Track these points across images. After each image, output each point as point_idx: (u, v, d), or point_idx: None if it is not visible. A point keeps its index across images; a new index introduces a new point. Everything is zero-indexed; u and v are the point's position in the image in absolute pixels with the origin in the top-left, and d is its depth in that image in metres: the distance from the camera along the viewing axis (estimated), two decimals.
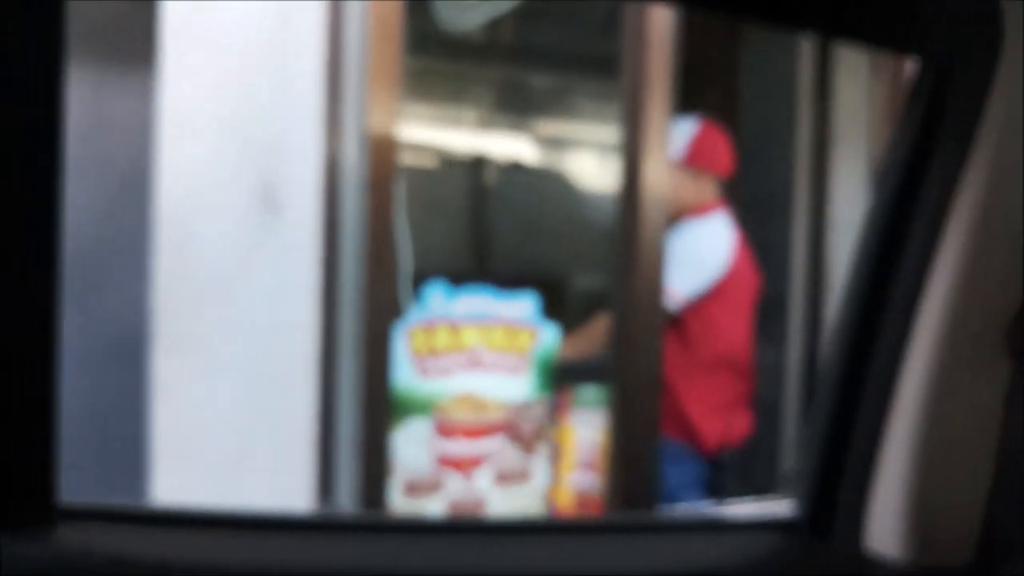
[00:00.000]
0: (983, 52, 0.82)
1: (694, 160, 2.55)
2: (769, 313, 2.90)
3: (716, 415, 2.46)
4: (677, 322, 2.42)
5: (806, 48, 3.57)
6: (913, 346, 0.86)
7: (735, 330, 2.53)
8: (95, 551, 0.71)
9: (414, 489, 2.15)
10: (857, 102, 3.26)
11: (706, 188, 2.57)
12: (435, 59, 2.59)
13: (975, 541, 0.88)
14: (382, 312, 2.09)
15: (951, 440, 0.86)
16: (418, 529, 0.93)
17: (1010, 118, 0.82)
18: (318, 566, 0.77)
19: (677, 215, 2.51)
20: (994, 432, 0.87)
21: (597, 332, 2.41)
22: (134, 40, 2.27)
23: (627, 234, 2.29)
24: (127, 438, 2.10)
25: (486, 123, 2.77)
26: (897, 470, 0.87)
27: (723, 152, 2.60)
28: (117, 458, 2.09)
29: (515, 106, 2.81)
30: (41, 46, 0.63)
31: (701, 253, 2.48)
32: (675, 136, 2.52)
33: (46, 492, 0.69)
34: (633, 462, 2.26)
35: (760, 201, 2.91)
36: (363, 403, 2.07)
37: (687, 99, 2.51)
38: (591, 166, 2.88)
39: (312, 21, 2.20)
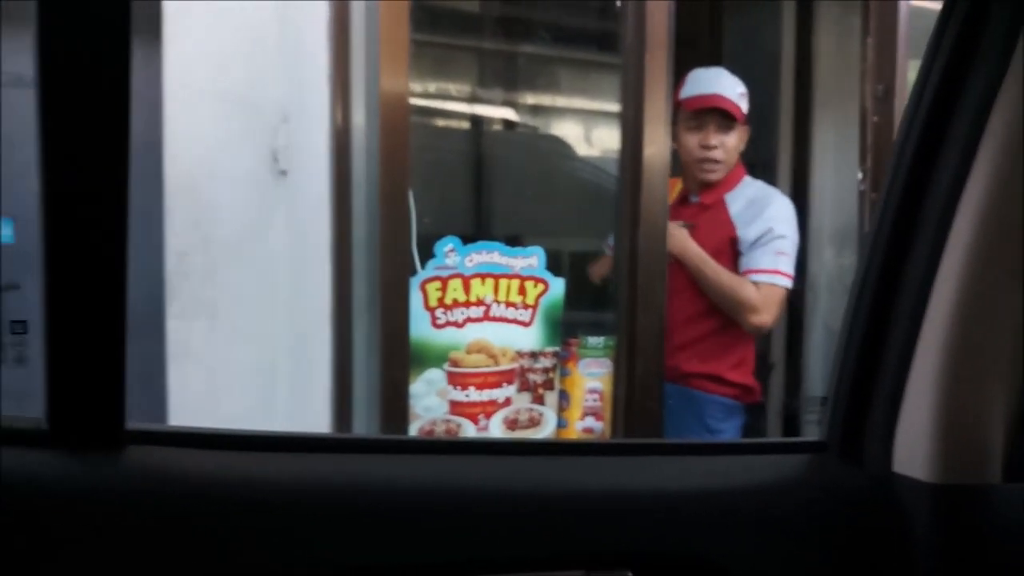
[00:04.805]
0: None
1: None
2: None
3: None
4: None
5: (789, 13, 3.65)
6: (942, 271, 0.89)
7: None
8: (158, 470, 0.77)
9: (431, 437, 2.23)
10: (845, 64, 3.34)
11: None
12: (444, 31, 2.64)
13: (1001, 462, 0.91)
14: (397, 268, 2.16)
15: (978, 363, 0.90)
16: (456, 449, 0.98)
17: None
18: (356, 481, 0.82)
19: (725, 176, 2.50)
20: (1022, 355, 0.89)
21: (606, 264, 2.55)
22: (136, 13, 2.28)
23: (631, 193, 2.36)
24: (147, 404, 2.15)
25: (492, 93, 2.83)
26: (925, 393, 0.91)
27: None
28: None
29: (518, 76, 2.87)
30: (107, 35, 0.69)
31: (794, 225, 2.50)
32: (736, 87, 2.49)
33: (115, 417, 0.75)
34: (638, 409, 2.35)
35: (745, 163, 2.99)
36: (381, 356, 2.14)
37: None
38: (592, 131, 2.95)
39: None
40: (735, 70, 2.87)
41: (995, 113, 0.87)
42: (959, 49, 0.90)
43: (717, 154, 2.45)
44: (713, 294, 2.42)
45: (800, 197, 3.55)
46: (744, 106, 2.50)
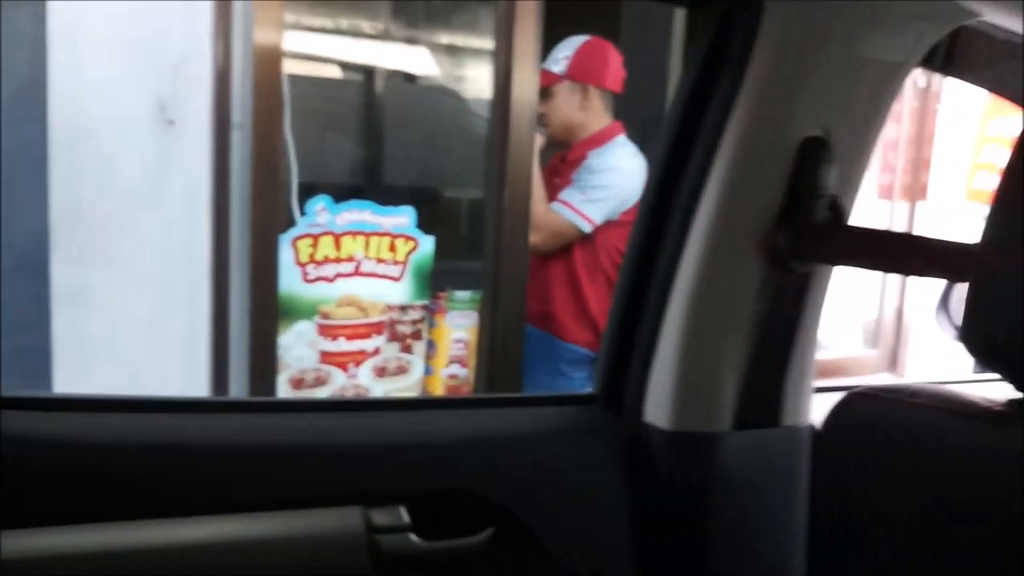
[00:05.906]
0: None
1: (578, 73, 2.59)
2: None
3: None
4: (591, 238, 2.56)
5: None
6: (687, 252, 1.05)
7: None
8: (33, 434, 0.85)
9: (300, 384, 2.34)
10: None
11: (595, 105, 2.62)
12: None
13: (731, 413, 1.07)
14: (269, 222, 2.23)
15: (714, 329, 1.06)
16: (301, 407, 1.10)
17: (774, 57, 0.98)
18: (218, 440, 0.93)
19: (565, 132, 2.61)
20: (750, 322, 1.06)
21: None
22: None
23: (499, 147, 2.45)
24: (33, 347, 2.20)
25: (369, 37, 2.86)
26: (669, 354, 1.07)
27: (612, 66, 2.62)
28: (24, 367, 2.19)
29: (396, 20, 2.89)
30: None
31: (620, 180, 2.56)
32: (560, 52, 2.60)
33: None
34: (500, 357, 2.49)
35: (639, 126, 3.10)
36: (252, 307, 2.23)
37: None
38: (471, 80, 2.99)
39: None
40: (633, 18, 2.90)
41: (729, 128, 1.02)
42: (702, 76, 1.04)
43: (544, 119, 2.60)
44: None
45: None
46: (557, 68, 2.60)
